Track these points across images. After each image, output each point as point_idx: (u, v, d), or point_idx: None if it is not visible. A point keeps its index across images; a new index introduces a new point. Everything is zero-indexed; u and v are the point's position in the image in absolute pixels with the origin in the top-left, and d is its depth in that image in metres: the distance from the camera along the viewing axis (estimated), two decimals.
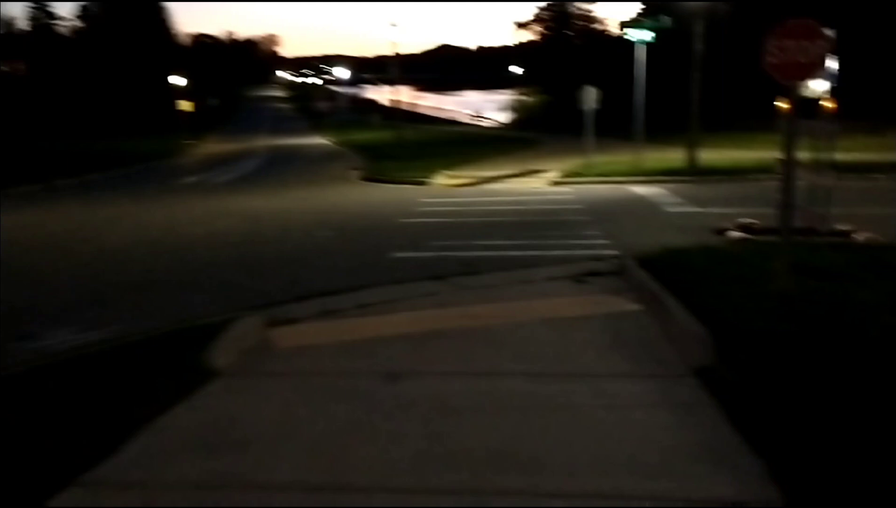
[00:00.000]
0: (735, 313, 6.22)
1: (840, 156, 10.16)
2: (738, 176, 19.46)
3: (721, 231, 11.51)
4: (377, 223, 14.27)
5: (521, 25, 65.09)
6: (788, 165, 6.96)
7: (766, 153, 23.94)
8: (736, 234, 10.96)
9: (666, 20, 21.47)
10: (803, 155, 11.14)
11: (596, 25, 60.39)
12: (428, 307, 7.39)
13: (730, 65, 34.39)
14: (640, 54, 20.89)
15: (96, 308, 8.46)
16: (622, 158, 23.63)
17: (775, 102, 11.36)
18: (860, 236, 10.14)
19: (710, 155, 22.15)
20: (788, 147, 6.95)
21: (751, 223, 11.52)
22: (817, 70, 6.90)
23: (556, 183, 20.37)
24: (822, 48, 6.65)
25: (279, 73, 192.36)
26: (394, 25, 28.28)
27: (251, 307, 7.50)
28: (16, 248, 12.85)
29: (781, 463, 3.81)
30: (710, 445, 4.20)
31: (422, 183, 21.78)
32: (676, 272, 7.75)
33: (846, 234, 10.28)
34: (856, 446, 3.92)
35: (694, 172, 20.09)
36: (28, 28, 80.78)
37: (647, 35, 21.00)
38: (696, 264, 8.09)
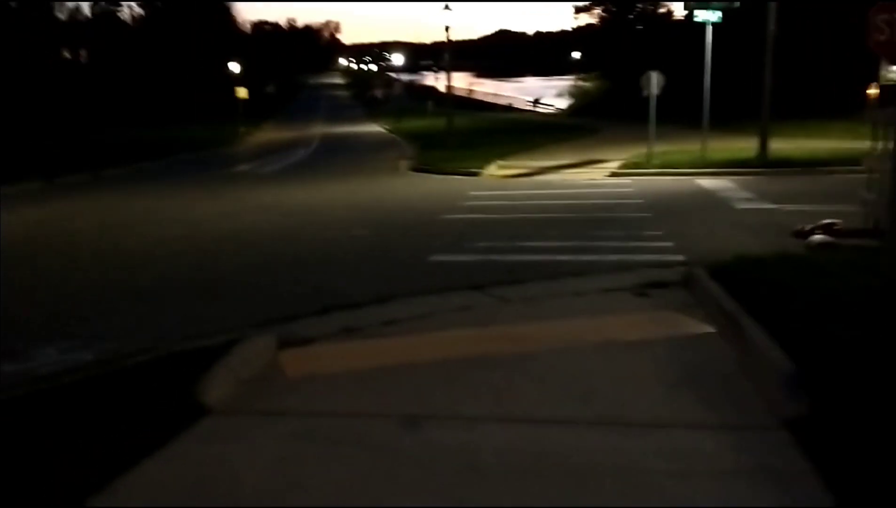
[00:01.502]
0: (831, 346, 5.13)
1: None
2: (813, 169, 17.96)
3: (800, 233, 10.27)
4: (420, 220, 13.33)
5: (580, 10, 63.26)
6: None
7: (842, 143, 22.32)
8: (818, 237, 9.70)
9: None
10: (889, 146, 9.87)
11: (658, 8, 58.25)
12: (463, 326, 6.42)
13: (800, 48, 32.47)
14: (708, 36, 19.47)
15: (95, 320, 7.66)
16: (687, 147, 22.25)
17: (868, 90, 10.14)
18: None
19: (782, 145, 20.64)
20: None
21: (833, 224, 10.26)
22: None
23: (616, 174, 19.17)
24: None
25: (338, 60, 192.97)
26: (447, 9, 27.09)
27: (264, 322, 6.65)
28: (26, 247, 12.25)
29: None
30: None
31: (473, 174, 20.79)
32: (755, 287, 6.64)
33: None
34: None
35: (765, 164, 18.67)
36: (90, 15, 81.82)
37: (715, 15, 19.56)
38: (778, 277, 6.96)
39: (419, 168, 23.55)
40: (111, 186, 23.25)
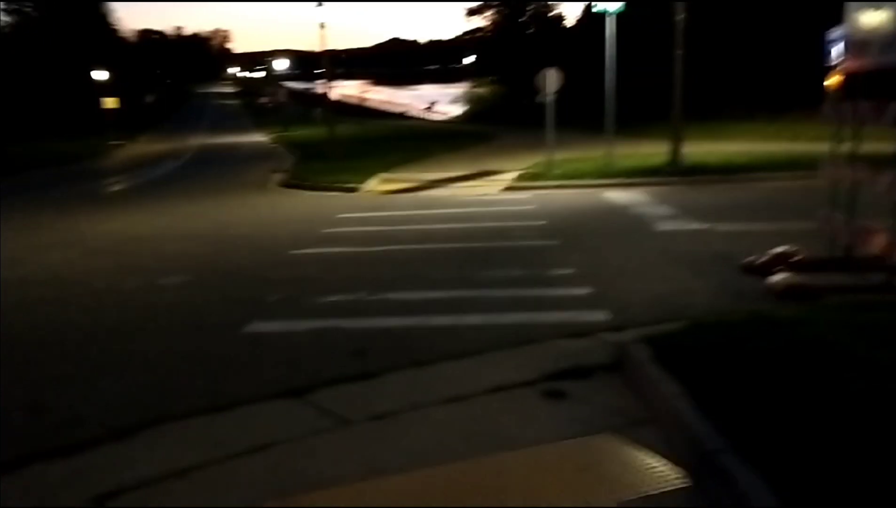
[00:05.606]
0: None
1: None
2: (733, 176, 15.88)
3: (752, 268, 7.84)
4: (262, 257, 10.22)
5: (472, 12, 61.03)
6: None
7: (754, 146, 20.60)
8: (781, 278, 7.24)
9: None
10: (846, 149, 7.67)
11: (549, 11, 56.57)
12: (245, 497, 3.54)
13: (708, 42, 30.70)
14: (608, 29, 17.19)
15: None
16: (591, 154, 19.93)
17: (827, 80, 7.87)
18: None
19: (692, 149, 18.55)
20: None
21: (791, 254, 7.88)
22: None
23: (513, 188, 16.60)
24: None
25: (229, 69, 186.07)
26: (320, 4, 24.11)
27: None
28: None
29: None
30: None
31: (351, 190, 17.92)
32: (737, 385, 4.03)
33: None
34: None
35: (678, 172, 16.48)
36: None
37: (616, 5, 17.31)
38: (766, 362, 4.36)
39: (291, 183, 20.46)
40: None
